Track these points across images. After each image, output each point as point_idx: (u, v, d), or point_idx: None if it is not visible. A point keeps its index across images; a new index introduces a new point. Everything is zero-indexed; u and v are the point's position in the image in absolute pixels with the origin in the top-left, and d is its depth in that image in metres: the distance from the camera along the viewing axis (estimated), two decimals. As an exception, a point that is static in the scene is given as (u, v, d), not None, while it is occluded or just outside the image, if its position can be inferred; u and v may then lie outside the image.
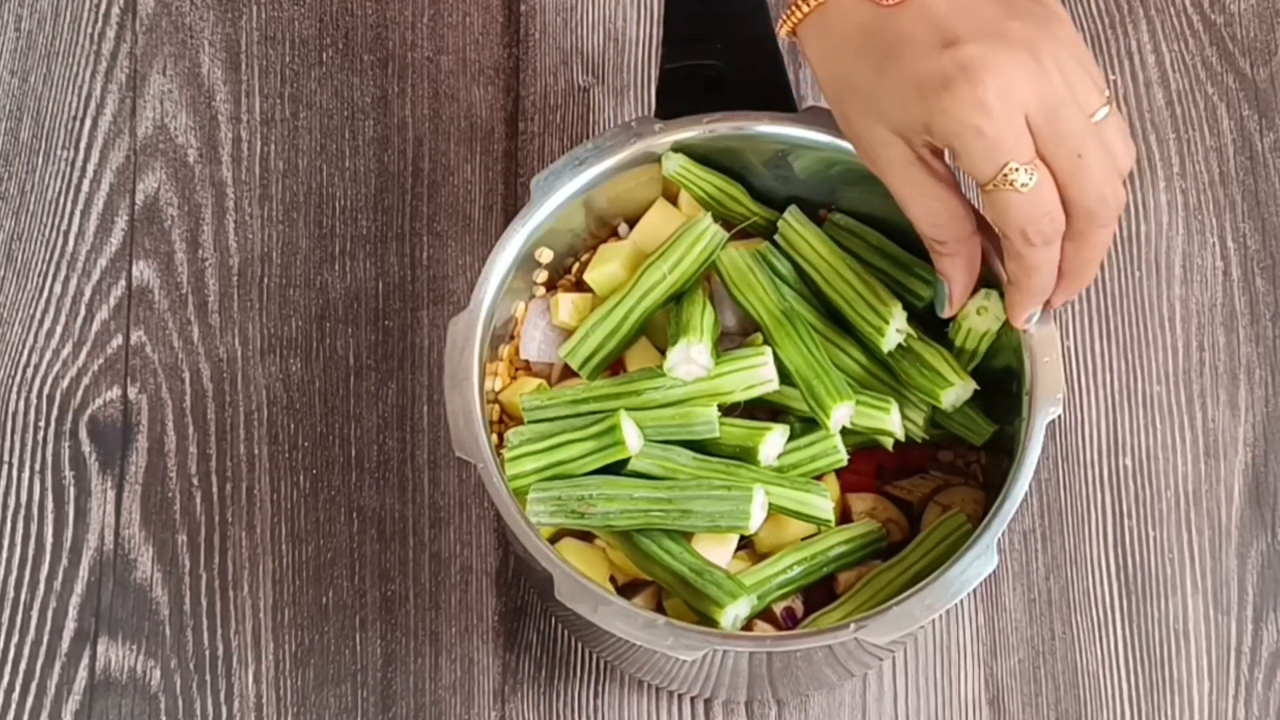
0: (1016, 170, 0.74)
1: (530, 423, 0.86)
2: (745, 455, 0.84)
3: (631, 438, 0.83)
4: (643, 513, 0.83)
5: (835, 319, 0.88)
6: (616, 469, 0.84)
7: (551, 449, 0.84)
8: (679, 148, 0.89)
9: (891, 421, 0.85)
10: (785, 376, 0.85)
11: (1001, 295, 0.83)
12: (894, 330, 0.85)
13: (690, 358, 0.84)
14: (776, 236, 0.89)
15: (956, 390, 0.84)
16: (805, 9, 0.78)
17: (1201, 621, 0.97)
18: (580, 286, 0.91)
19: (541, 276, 0.91)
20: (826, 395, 0.83)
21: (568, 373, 0.89)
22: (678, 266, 0.87)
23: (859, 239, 0.89)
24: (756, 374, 0.84)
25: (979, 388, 0.85)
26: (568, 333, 0.88)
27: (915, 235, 0.81)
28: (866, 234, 0.90)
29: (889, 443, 0.86)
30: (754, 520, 0.82)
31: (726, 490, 0.82)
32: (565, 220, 0.89)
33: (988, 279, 0.84)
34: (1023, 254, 0.77)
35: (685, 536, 0.84)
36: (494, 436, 0.86)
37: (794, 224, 0.89)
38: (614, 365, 0.88)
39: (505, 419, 0.89)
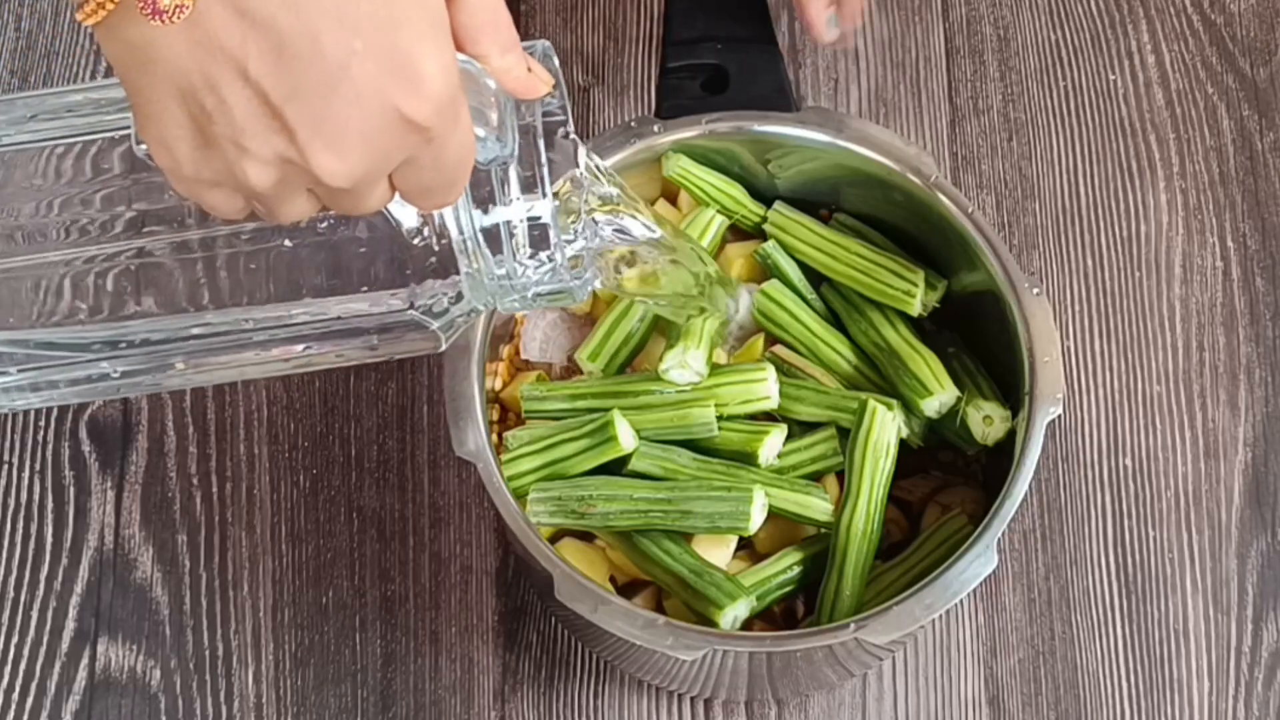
0: None
1: (528, 413, 0.86)
2: (745, 458, 0.84)
3: (625, 435, 0.83)
4: (643, 513, 0.83)
5: (849, 302, 0.88)
6: (616, 469, 0.84)
7: (547, 448, 0.84)
8: (679, 148, 0.89)
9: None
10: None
11: (1002, 405, 0.84)
12: (921, 295, 0.86)
13: (686, 363, 0.84)
14: (767, 226, 0.89)
15: (939, 399, 0.84)
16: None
17: (1201, 621, 0.97)
18: (580, 286, 0.91)
19: (541, 276, 0.91)
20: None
21: (567, 373, 0.89)
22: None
23: (862, 238, 0.89)
24: (755, 389, 0.84)
25: (961, 394, 0.85)
26: (571, 325, 0.88)
27: (917, 236, 0.81)
28: (869, 234, 0.90)
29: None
30: (754, 521, 0.82)
31: (726, 491, 0.82)
32: (565, 220, 0.89)
33: (985, 391, 0.85)
34: None
35: (685, 537, 0.84)
36: (494, 437, 0.86)
37: (783, 213, 0.89)
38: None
39: (505, 419, 0.89)
